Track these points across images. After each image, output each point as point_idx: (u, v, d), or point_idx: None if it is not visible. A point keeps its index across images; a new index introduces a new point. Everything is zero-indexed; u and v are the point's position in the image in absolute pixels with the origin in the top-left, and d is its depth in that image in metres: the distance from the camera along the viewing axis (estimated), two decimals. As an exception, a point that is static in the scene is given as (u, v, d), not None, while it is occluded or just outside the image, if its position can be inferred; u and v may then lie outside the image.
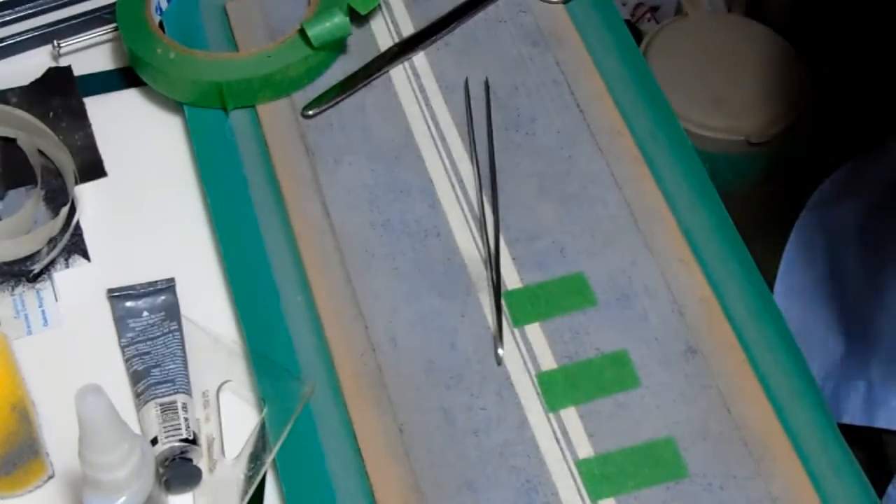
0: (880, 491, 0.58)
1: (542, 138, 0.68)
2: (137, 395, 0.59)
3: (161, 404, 0.58)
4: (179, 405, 0.58)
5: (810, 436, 0.58)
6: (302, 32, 0.69)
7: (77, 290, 0.65)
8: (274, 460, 0.58)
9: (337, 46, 0.71)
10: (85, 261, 0.66)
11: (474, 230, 0.65)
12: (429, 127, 0.69)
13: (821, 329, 0.80)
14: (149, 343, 0.61)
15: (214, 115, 0.70)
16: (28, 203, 0.66)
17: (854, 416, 0.74)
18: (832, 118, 0.74)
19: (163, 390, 0.59)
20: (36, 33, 0.74)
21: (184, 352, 0.61)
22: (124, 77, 0.73)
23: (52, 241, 0.66)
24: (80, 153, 0.70)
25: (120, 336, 0.62)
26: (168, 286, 0.64)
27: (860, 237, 0.82)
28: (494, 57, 0.72)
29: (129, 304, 0.63)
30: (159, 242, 0.66)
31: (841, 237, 0.82)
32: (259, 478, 0.58)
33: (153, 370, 0.60)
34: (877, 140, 0.86)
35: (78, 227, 0.67)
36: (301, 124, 0.69)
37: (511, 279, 0.63)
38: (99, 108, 0.71)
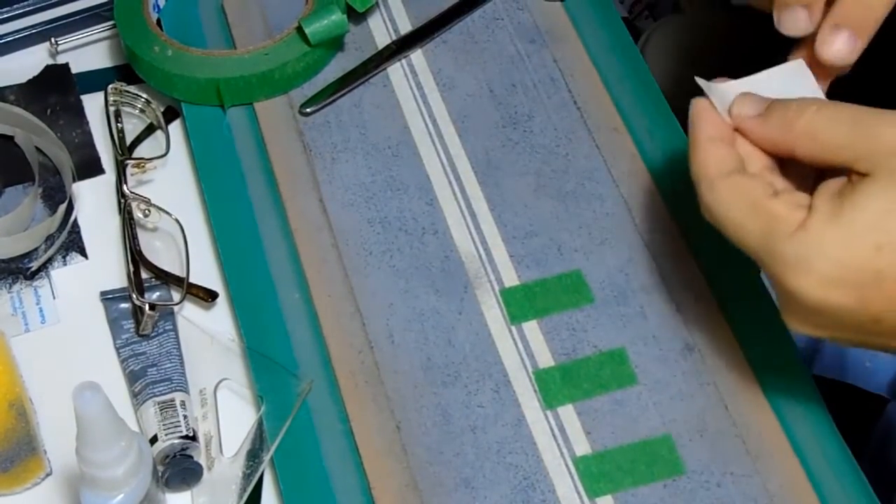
0: (857, 452, 0.58)
1: (539, 136, 0.68)
2: (135, 395, 0.59)
3: (159, 403, 0.58)
4: (178, 403, 0.58)
5: (808, 433, 0.58)
6: (299, 30, 0.69)
7: (75, 287, 0.65)
8: (272, 458, 0.58)
9: (334, 44, 0.71)
10: (83, 258, 0.66)
11: (471, 227, 0.65)
12: (426, 124, 0.69)
13: None
14: (144, 343, 0.61)
15: (212, 112, 0.70)
16: (26, 200, 0.66)
17: (826, 368, 0.74)
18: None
19: (160, 389, 0.59)
20: (34, 30, 0.74)
21: (180, 350, 0.61)
22: (122, 74, 0.73)
23: (49, 239, 0.66)
24: (78, 150, 0.70)
25: (115, 338, 0.62)
26: (162, 284, 0.64)
27: None
28: (492, 54, 0.72)
29: (122, 305, 0.63)
30: (156, 240, 0.66)
31: None
32: (257, 475, 0.58)
33: (150, 370, 0.60)
34: None
35: (76, 224, 0.67)
36: (298, 122, 0.69)
37: (508, 277, 0.63)
38: (96, 106, 0.71)
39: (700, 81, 0.55)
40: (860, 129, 0.48)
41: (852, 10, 0.52)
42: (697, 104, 0.54)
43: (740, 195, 0.50)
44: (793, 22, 0.53)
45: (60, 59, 0.74)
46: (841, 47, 0.53)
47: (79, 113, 0.71)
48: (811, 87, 0.54)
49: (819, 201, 0.48)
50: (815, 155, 0.50)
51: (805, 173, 0.52)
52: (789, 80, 0.54)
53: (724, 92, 0.54)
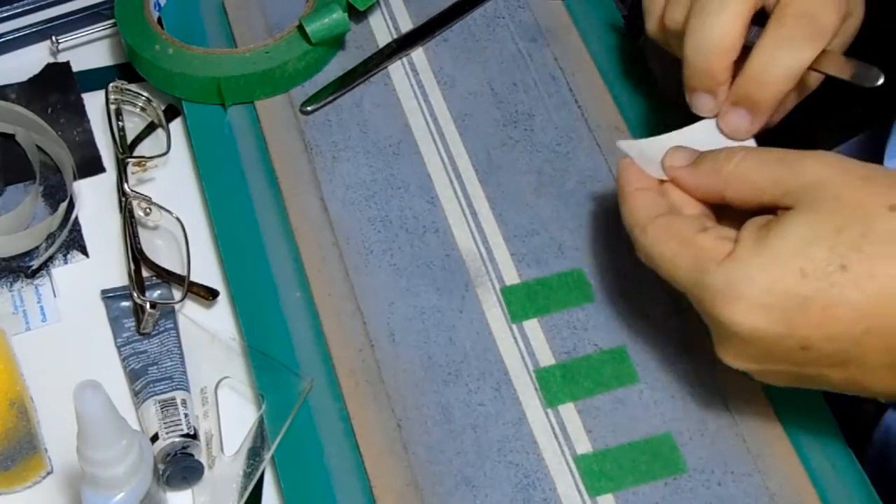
0: (857, 457, 0.58)
1: (540, 134, 0.68)
2: (136, 394, 0.59)
3: (160, 401, 0.58)
4: (179, 401, 0.58)
5: (809, 432, 0.58)
6: (300, 28, 0.69)
7: (75, 286, 0.65)
8: (272, 456, 0.58)
9: (335, 42, 0.71)
10: (83, 257, 0.66)
11: (472, 226, 0.65)
12: (427, 123, 0.69)
13: None
14: (145, 342, 0.61)
15: (213, 111, 0.70)
16: (26, 199, 0.66)
17: None
18: (824, 114, 0.75)
19: (161, 387, 0.59)
20: (34, 29, 0.74)
21: (181, 349, 0.61)
22: (123, 73, 0.73)
23: (50, 237, 0.66)
24: (79, 149, 0.70)
25: (115, 336, 0.62)
26: (163, 283, 0.64)
27: None
28: (493, 53, 0.72)
29: (123, 303, 0.63)
30: (157, 238, 0.66)
31: None
32: (258, 474, 0.58)
33: (150, 368, 0.60)
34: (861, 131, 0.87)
35: (76, 222, 0.67)
36: (299, 120, 0.69)
37: (509, 275, 0.63)
38: (97, 104, 0.71)
39: (620, 144, 0.58)
40: (785, 167, 0.50)
41: (747, 88, 0.55)
42: (621, 162, 0.56)
43: (670, 233, 0.52)
44: (701, 105, 0.58)
45: (61, 58, 0.74)
46: (738, 123, 0.57)
47: (79, 111, 0.71)
48: (730, 140, 0.57)
49: (745, 233, 0.50)
50: (744, 196, 0.52)
51: (737, 221, 0.53)
52: (710, 134, 0.58)
53: (645, 148, 0.57)
